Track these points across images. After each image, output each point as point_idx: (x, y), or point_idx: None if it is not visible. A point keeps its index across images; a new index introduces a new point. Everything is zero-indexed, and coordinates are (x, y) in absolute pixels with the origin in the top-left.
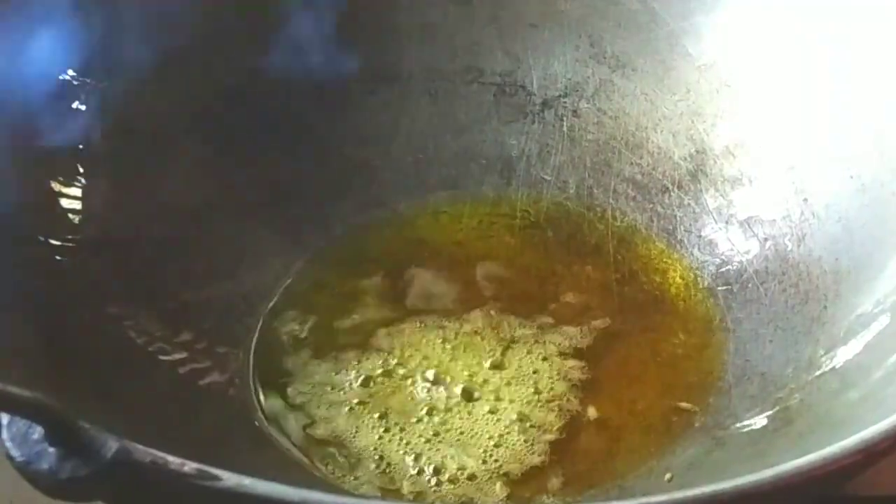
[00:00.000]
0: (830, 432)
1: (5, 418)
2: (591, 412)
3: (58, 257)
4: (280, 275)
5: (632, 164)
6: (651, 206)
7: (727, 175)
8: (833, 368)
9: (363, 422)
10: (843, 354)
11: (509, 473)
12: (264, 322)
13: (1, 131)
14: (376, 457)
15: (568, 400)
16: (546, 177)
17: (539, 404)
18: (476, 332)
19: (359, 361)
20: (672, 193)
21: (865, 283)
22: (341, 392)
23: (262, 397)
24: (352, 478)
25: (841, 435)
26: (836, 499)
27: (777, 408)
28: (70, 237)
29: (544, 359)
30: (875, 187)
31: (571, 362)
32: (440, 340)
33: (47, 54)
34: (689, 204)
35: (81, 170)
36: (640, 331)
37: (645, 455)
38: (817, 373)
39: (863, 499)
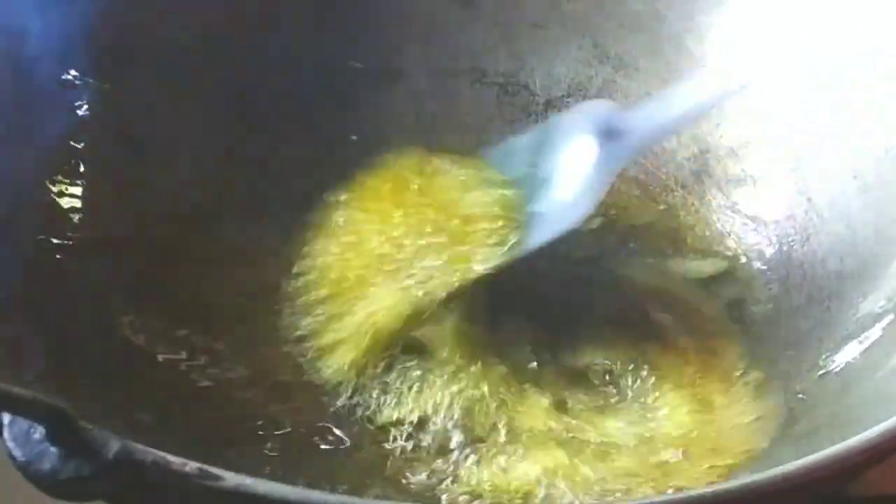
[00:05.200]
0: (834, 432)
1: (6, 418)
2: None
3: (58, 256)
4: (281, 274)
5: (635, 163)
6: (655, 205)
7: (731, 175)
8: (837, 369)
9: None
10: (847, 355)
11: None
12: (265, 321)
13: (2, 131)
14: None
15: None
16: None
17: None
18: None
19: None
20: (676, 193)
21: (869, 283)
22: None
23: (263, 396)
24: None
25: (845, 435)
26: (839, 499)
27: (781, 408)
28: (70, 236)
29: None
30: (879, 187)
31: None
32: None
33: (49, 54)
34: (692, 204)
35: (82, 169)
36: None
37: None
38: (821, 373)
39: (864, 498)
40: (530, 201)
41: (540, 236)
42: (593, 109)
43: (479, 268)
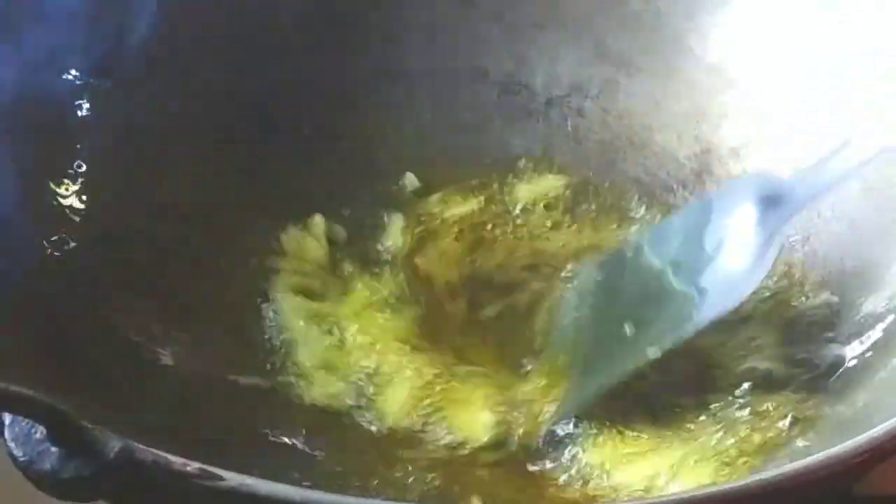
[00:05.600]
0: (837, 432)
1: (7, 418)
2: None
3: (58, 256)
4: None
5: (637, 164)
6: (656, 206)
7: (732, 175)
8: (838, 369)
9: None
10: (849, 355)
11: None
12: (267, 321)
13: (2, 131)
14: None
15: None
16: (550, 177)
17: None
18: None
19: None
20: (677, 193)
21: (871, 283)
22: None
23: (264, 397)
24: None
25: (847, 434)
26: (842, 498)
27: (782, 408)
28: (71, 236)
29: None
30: (880, 187)
31: None
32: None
33: (51, 54)
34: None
35: (83, 169)
36: None
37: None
38: (823, 373)
39: (867, 498)
40: (696, 279)
41: (710, 312)
42: (751, 180)
43: (652, 352)
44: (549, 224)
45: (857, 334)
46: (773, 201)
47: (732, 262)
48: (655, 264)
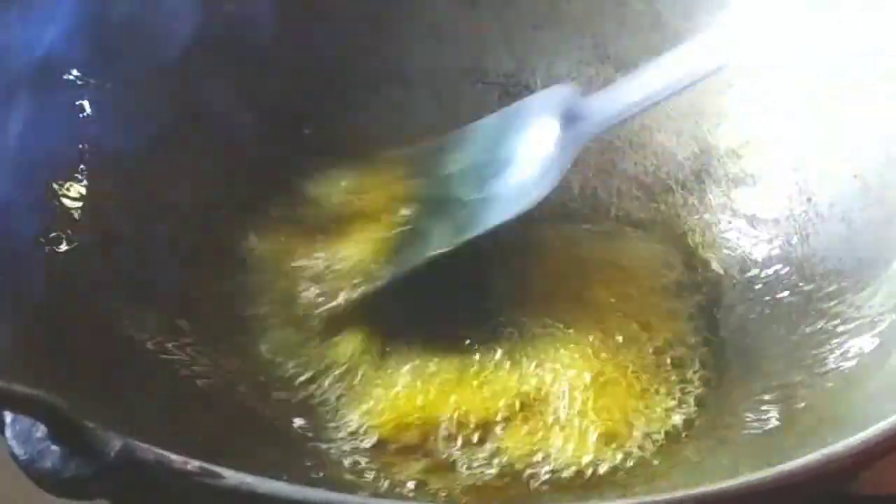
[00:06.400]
0: (833, 431)
1: (9, 417)
2: None
3: (58, 256)
4: (282, 275)
5: (636, 163)
6: (655, 205)
7: (731, 174)
8: (836, 369)
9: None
10: (846, 354)
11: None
12: (267, 322)
13: (3, 131)
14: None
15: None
16: None
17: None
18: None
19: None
20: (676, 193)
21: (869, 283)
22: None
23: (265, 397)
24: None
25: (844, 434)
26: (837, 497)
27: (780, 408)
28: (71, 236)
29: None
30: (879, 187)
31: None
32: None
33: (51, 54)
34: (692, 204)
35: (84, 169)
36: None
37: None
38: (820, 373)
39: (864, 497)
40: (490, 183)
41: (496, 216)
42: (556, 93)
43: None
44: None
45: (856, 334)
46: (573, 118)
47: (525, 172)
48: (446, 169)
